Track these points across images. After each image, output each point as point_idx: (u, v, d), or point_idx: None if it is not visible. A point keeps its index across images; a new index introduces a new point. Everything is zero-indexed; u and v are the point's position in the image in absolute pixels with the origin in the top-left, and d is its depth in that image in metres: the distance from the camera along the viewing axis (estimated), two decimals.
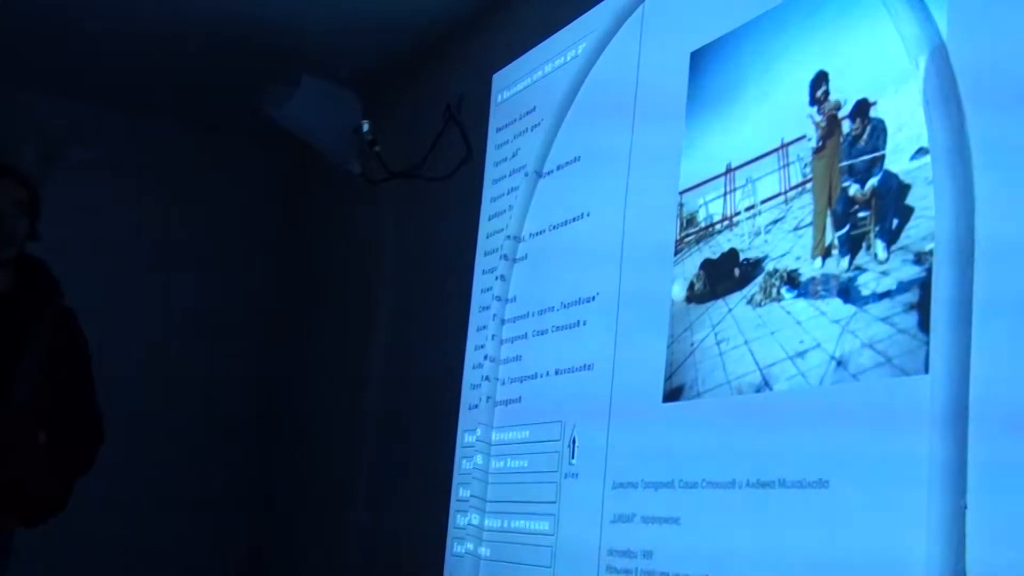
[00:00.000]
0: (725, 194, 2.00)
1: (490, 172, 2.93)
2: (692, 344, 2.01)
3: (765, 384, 1.79)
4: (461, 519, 2.73)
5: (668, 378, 2.05)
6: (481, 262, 2.90)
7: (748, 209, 1.94)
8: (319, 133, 3.19)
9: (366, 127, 3.14)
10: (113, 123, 3.92)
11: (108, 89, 3.79)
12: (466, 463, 2.77)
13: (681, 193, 2.13)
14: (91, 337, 3.12)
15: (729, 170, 2.00)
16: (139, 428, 3.70)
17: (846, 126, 1.75)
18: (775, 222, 1.87)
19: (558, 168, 2.63)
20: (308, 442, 3.87)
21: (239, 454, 4.09)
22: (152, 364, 3.95)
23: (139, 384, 3.85)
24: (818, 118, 1.81)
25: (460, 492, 2.77)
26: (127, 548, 3.84)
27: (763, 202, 1.91)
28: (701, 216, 2.07)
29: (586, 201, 2.47)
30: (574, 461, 2.33)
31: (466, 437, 2.80)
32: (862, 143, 1.71)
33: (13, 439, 2.89)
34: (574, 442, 2.34)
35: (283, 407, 4.08)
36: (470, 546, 2.63)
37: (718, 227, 2.02)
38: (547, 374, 2.51)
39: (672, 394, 2.03)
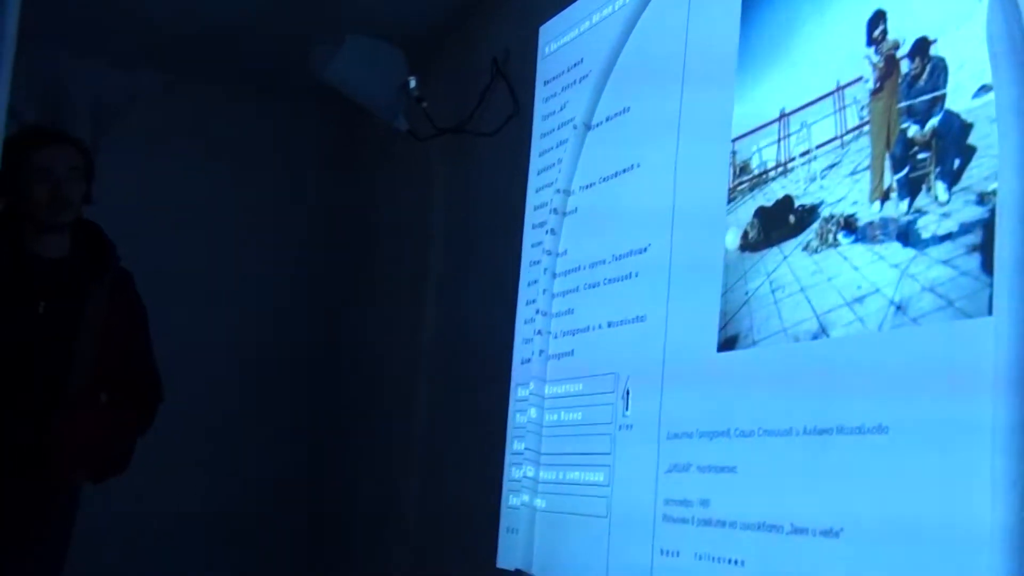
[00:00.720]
0: (779, 140, 1.97)
1: (538, 126, 2.92)
2: (747, 293, 1.99)
3: (822, 331, 1.78)
4: (516, 472, 2.75)
5: (722, 327, 2.04)
6: (531, 216, 2.89)
7: (803, 155, 1.91)
8: (366, 91, 3.19)
9: (413, 83, 3.14)
10: (163, 89, 3.94)
11: (158, 55, 3.81)
12: (520, 417, 2.78)
13: (734, 141, 2.10)
14: (148, 301, 3.17)
15: (783, 115, 1.97)
16: (196, 392, 3.74)
17: (905, 66, 1.71)
18: (831, 167, 1.84)
19: (607, 120, 2.61)
20: (365, 400, 3.91)
21: (298, 416, 4.13)
22: (207, 329, 3.99)
23: (196, 349, 3.89)
24: (875, 59, 1.78)
25: (515, 445, 2.79)
26: (187, 507, 3.91)
27: (818, 147, 1.88)
28: (754, 163, 2.04)
29: (636, 152, 2.45)
30: (628, 413, 2.33)
31: (519, 391, 2.81)
32: (921, 83, 1.67)
33: (77, 399, 2.95)
34: (628, 394, 2.34)
35: (338, 366, 4.12)
36: (526, 498, 2.65)
37: (772, 174, 1.99)
38: (599, 327, 2.50)
39: (727, 343, 2.02)
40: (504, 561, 2.75)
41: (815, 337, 1.79)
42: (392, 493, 3.48)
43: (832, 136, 1.85)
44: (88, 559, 3.18)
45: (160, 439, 3.23)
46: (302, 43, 3.36)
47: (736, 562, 1.88)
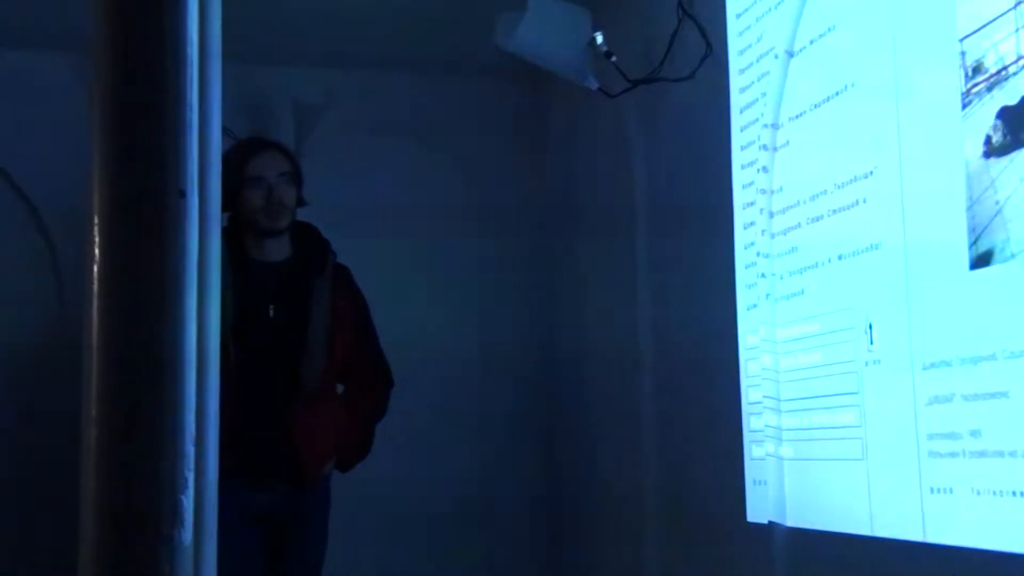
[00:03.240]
0: (1017, 30, 1.79)
1: (735, 62, 2.79)
2: (997, 203, 1.83)
3: None
4: (755, 421, 2.66)
5: (973, 244, 1.88)
6: (738, 157, 2.78)
7: None
8: (552, 54, 3.14)
9: (600, 39, 3.06)
10: (356, 83, 4.02)
11: (347, 51, 3.89)
12: (752, 365, 2.68)
13: (962, 40, 1.93)
14: (365, 289, 3.25)
15: (1019, 2, 1.79)
16: (418, 376, 3.80)
17: None
18: None
19: (811, 43, 2.46)
20: (587, 368, 3.88)
21: (521, 388, 4.14)
22: (423, 310, 4.05)
23: (415, 333, 3.95)
24: None
25: (751, 395, 2.69)
26: (425, 476, 3.98)
27: None
28: (990, 61, 1.87)
29: (849, 72, 2.30)
30: (874, 347, 2.20)
31: (748, 339, 2.71)
32: None
33: (315, 394, 3.06)
34: (871, 327, 2.21)
35: (556, 333, 4.11)
36: (770, 448, 2.56)
37: (1013, 69, 1.81)
38: (829, 261, 2.37)
39: (980, 260, 1.86)
40: (755, 515, 2.66)
41: None
42: (627, 459, 3.45)
43: None
44: (339, 548, 3.31)
45: (391, 423, 3.32)
46: (483, 15, 3.35)
47: (1022, 494, 1.74)
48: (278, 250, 3.13)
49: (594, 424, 3.81)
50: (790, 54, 2.53)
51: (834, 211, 2.35)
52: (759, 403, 2.62)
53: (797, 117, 2.51)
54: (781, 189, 2.58)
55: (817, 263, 2.42)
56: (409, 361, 3.56)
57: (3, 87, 3.74)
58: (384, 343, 3.28)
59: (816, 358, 2.41)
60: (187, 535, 0.70)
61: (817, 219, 2.42)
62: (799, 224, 2.49)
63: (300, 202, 3.16)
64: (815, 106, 2.43)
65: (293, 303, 3.07)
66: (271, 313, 3.06)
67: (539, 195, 4.15)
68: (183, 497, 0.70)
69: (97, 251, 0.71)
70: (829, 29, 2.39)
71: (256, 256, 3.10)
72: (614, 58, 3.10)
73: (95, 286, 0.71)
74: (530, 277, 4.13)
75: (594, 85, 3.21)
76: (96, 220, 0.72)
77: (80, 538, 0.70)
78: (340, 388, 3.24)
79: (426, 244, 4.06)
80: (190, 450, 0.71)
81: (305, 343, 3.04)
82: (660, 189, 3.33)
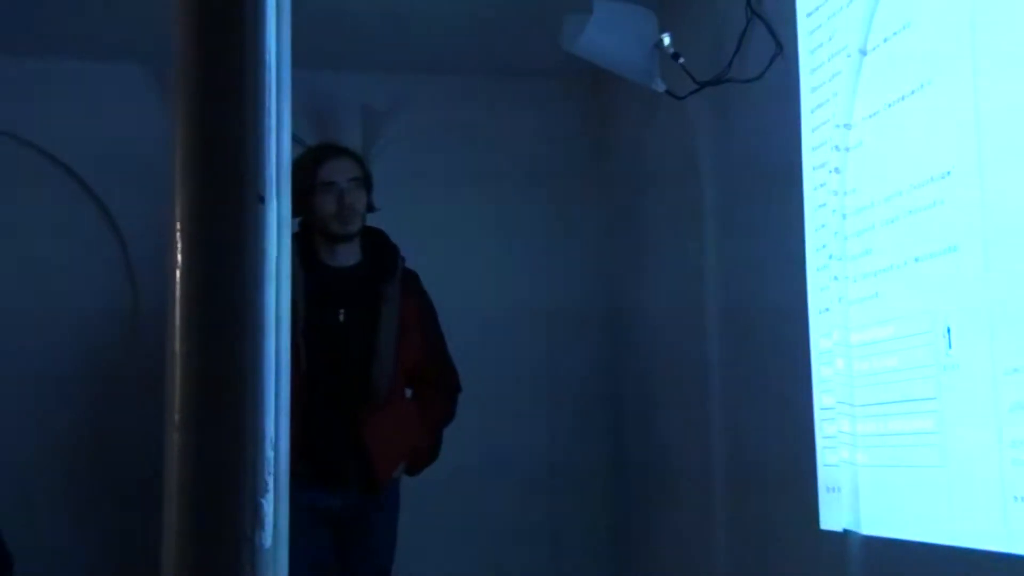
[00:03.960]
0: None
1: (806, 62, 2.75)
2: None
3: None
4: (829, 427, 2.61)
5: None
6: (809, 158, 2.73)
7: None
8: (619, 56, 3.13)
9: (667, 40, 3.04)
10: (423, 88, 4.04)
11: (414, 56, 3.91)
12: (824, 369, 2.64)
13: None
14: (431, 292, 3.27)
15: None
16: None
17: None
18: None
19: (885, 41, 2.41)
20: (655, 372, 3.86)
21: (589, 392, 4.13)
22: (493, 301, 4.06)
23: (481, 323, 3.95)
24: None
25: (823, 400, 2.65)
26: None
27: None
28: None
29: (925, 69, 2.25)
30: (952, 352, 2.14)
31: (821, 343, 2.67)
32: None
33: (385, 398, 3.08)
34: (949, 331, 2.15)
35: (624, 339, 4.09)
36: (844, 454, 2.51)
37: None
38: (905, 264, 2.32)
39: None
40: (828, 522, 2.61)
41: None
42: (697, 464, 3.41)
43: None
44: (408, 548, 3.32)
45: (459, 428, 3.33)
46: (549, 19, 3.34)
47: None
48: (349, 255, 3.16)
49: (659, 429, 3.78)
50: (863, 52, 2.48)
51: (910, 212, 2.30)
52: (832, 408, 2.58)
53: (871, 117, 2.46)
54: (854, 190, 2.53)
55: (892, 265, 2.37)
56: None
57: (79, 97, 3.83)
58: (449, 339, 3.28)
59: (892, 362, 2.36)
60: (267, 538, 0.70)
61: (892, 221, 2.37)
62: (873, 226, 2.45)
63: (370, 207, 3.18)
64: (889, 105, 2.39)
65: (363, 308, 3.10)
66: (341, 318, 3.09)
67: (605, 198, 4.13)
68: (263, 500, 0.70)
69: (179, 257, 0.72)
70: (904, 26, 2.34)
71: (327, 261, 3.14)
72: (682, 59, 3.07)
73: (177, 292, 0.72)
74: (594, 285, 4.13)
75: (661, 87, 3.19)
76: (178, 226, 0.73)
77: (164, 541, 0.71)
78: (408, 393, 3.26)
79: (493, 249, 4.07)
80: (270, 454, 0.72)
81: (375, 348, 3.06)
82: (728, 190, 3.29)
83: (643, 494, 3.91)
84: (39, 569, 3.34)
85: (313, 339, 3.00)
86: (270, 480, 0.71)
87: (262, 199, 0.73)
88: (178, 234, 0.73)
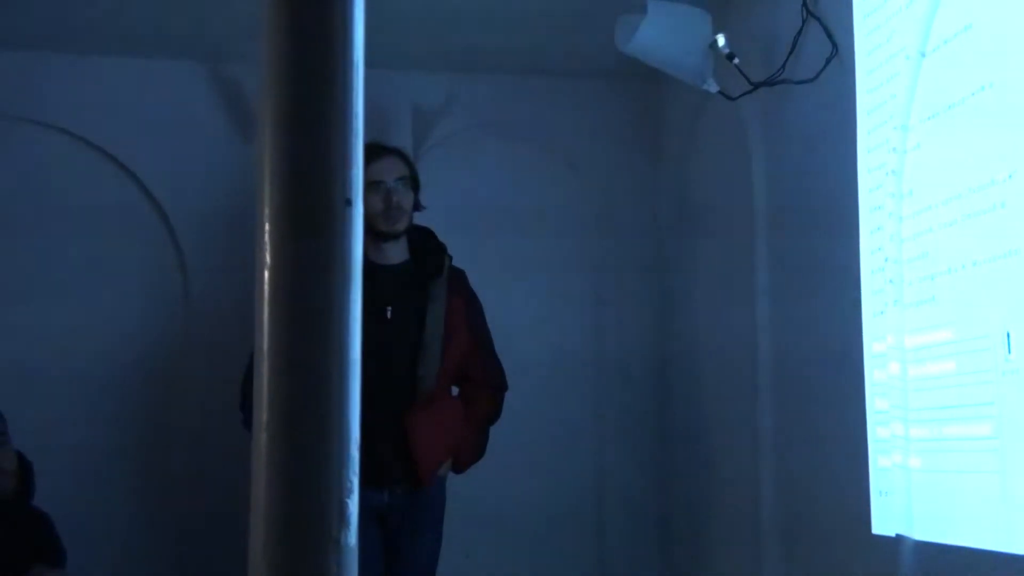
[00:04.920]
0: None
1: (862, 63, 2.73)
2: None
3: None
4: (882, 431, 2.59)
5: None
6: (864, 160, 2.71)
7: None
8: (672, 57, 3.12)
9: (722, 41, 3.03)
10: (473, 87, 4.05)
11: (465, 55, 3.92)
12: (878, 373, 2.61)
13: None
14: (479, 290, 3.27)
15: None
16: (530, 378, 3.80)
17: None
18: None
19: (945, 43, 2.39)
20: (702, 372, 3.84)
21: (637, 396, 4.10)
22: (537, 312, 4.06)
23: (528, 335, 3.95)
24: None
25: (876, 404, 2.62)
26: (538, 480, 3.97)
27: None
28: None
29: (986, 72, 2.22)
30: (1012, 357, 2.12)
31: (874, 346, 2.64)
32: None
33: (433, 394, 3.10)
34: (1009, 336, 2.13)
35: (671, 337, 4.07)
36: (898, 458, 2.49)
37: None
38: (963, 267, 2.30)
39: None
40: (880, 526, 2.60)
41: None
42: (743, 465, 3.39)
43: None
44: (454, 550, 3.33)
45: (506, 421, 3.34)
46: (599, 20, 3.34)
47: None
48: (396, 253, 3.18)
49: (709, 429, 3.76)
50: (923, 54, 2.46)
51: (969, 215, 2.28)
52: (886, 412, 2.56)
53: (930, 119, 2.44)
54: (911, 192, 2.51)
55: (950, 269, 2.35)
56: (522, 363, 3.58)
57: (134, 94, 3.87)
58: (497, 345, 3.30)
59: (948, 367, 2.34)
60: (352, 537, 0.71)
61: (950, 223, 2.35)
62: (931, 228, 2.42)
63: (417, 206, 3.20)
64: (949, 107, 2.36)
65: (410, 306, 3.11)
66: (389, 315, 3.10)
67: (654, 198, 4.11)
68: (348, 500, 0.71)
69: (268, 258, 0.73)
70: (965, 28, 2.31)
71: (374, 259, 3.15)
72: (736, 60, 3.05)
73: (266, 293, 0.73)
74: (644, 279, 4.10)
75: (714, 88, 3.18)
76: (267, 228, 0.74)
77: (250, 541, 0.72)
78: (455, 390, 3.27)
79: (541, 246, 4.06)
80: (354, 454, 0.73)
81: (421, 345, 3.08)
82: (781, 192, 3.27)
83: (690, 494, 3.90)
84: (92, 563, 3.38)
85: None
86: (355, 480, 0.72)
87: (349, 202, 0.74)
88: (266, 235, 0.74)
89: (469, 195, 3.96)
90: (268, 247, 0.72)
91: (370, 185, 3.10)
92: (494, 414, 3.32)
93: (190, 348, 3.78)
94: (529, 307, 4.00)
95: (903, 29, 2.53)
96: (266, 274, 0.73)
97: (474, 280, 3.30)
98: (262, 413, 0.71)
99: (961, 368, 2.29)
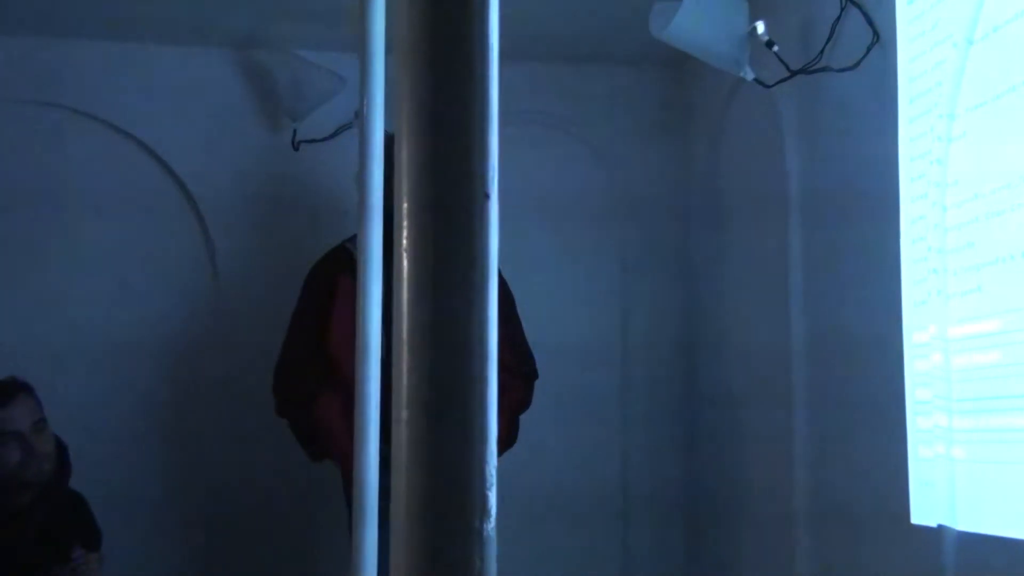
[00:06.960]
0: None
1: (905, 51, 2.71)
2: None
3: None
4: (924, 422, 2.58)
5: None
6: (907, 149, 2.69)
7: None
8: (708, 43, 3.10)
9: (762, 28, 3.01)
10: (503, 74, 4.01)
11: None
12: (920, 363, 2.61)
13: None
14: (508, 279, 3.26)
15: None
16: (558, 368, 3.79)
17: None
18: None
19: (994, 30, 2.37)
20: (733, 360, 3.83)
21: (666, 377, 4.09)
22: (565, 301, 4.05)
23: (556, 325, 3.93)
24: None
25: (917, 394, 2.62)
26: (566, 469, 3.97)
27: None
28: None
29: None
30: None
31: (915, 336, 2.64)
32: None
33: None
34: None
35: (700, 326, 4.05)
36: (940, 449, 2.48)
37: None
38: (1011, 257, 2.29)
39: None
40: (920, 517, 2.59)
41: None
42: (775, 454, 3.39)
43: None
44: None
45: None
46: (630, 6, 3.32)
47: None
48: None
49: (739, 419, 3.75)
50: (970, 41, 2.44)
51: (1017, 205, 2.27)
52: (928, 402, 2.55)
53: (976, 107, 2.43)
54: (956, 182, 2.50)
55: (997, 259, 2.34)
56: (550, 352, 3.57)
57: (165, 81, 3.86)
58: (526, 334, 3.29)
59: (994, 357, 2.33)
60: (492, 528, 0.71)
61: (997, 213, 2.34)
62: (976, 218, 2.41)
63: None
64: (997, 96, 2.35)
65: None
66: None
67: (684, 185, 4.10)
68: (489, 493, 0.71)
69: (405, 252, 0.73)
70: (1016, 15, 2.30)
71: None
72: (776, 47, 3.04)
73: (404, 286, 0.73)
74: (673, 267, 4.09)
75: (751, 75, 3.16)
76: (405, 221, 0.73)
77: (392, 534, 0.72)
78: None
79: (569, 235, 4.05)
80: (493, 446, 0.72)
81: None
82: (816, 180, 3.25)
83: (719, 482, 3.89)
84: (121, 545, 3.38)
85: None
86: (494, 473, 0.72)
87: (487, 196, 0.73)
88: (405, 228, 0.73)
89: (498, 182, 3.93)
90: (405, 243, 0.72)
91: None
92: (524, 403, 3.32)
93: (220, 331, 3.78)
94: (557, 296, 3.99)
95: (949, 16, 2.51)
96: (404, 268, 0.72)
97: (503, 269, 3.28)
98: (401, 409, 0.71)
99: (1008, 359, 2.28)
